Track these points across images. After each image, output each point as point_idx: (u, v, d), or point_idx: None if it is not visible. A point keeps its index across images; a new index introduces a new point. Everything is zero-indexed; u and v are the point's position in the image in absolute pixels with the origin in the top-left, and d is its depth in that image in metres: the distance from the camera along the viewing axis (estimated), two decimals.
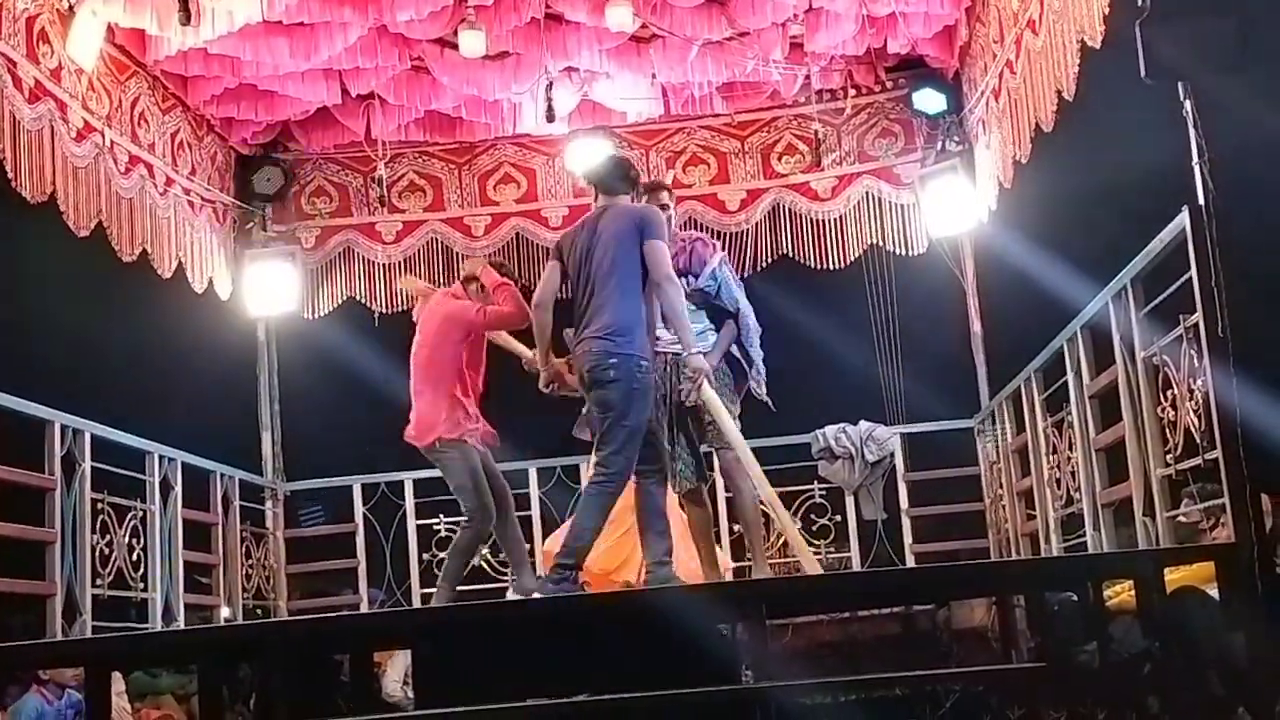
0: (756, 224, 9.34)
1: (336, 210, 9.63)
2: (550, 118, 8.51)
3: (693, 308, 5.93)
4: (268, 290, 9.28)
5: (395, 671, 7.09)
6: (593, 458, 6.00)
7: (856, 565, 8.48)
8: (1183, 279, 4.87)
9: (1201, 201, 4.75)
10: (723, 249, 6.55)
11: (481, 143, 9.55)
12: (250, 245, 9.30)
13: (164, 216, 8.12)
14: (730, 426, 5.93)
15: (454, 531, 8.97)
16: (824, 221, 9.29)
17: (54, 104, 6.84)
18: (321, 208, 9.64)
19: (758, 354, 6.17)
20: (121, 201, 7.57)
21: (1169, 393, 5.16)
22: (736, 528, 8.23)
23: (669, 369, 5.92)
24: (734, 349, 6.14)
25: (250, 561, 8.65)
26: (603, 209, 5.81)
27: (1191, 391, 4.93)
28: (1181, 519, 5.54)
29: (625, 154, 6.37)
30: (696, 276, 6.07)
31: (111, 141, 7.45)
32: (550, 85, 8.45)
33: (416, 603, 8.69)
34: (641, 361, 5.52)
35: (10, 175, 6.47)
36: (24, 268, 9.00)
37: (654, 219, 5.75)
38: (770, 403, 6.17)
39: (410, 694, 6.09)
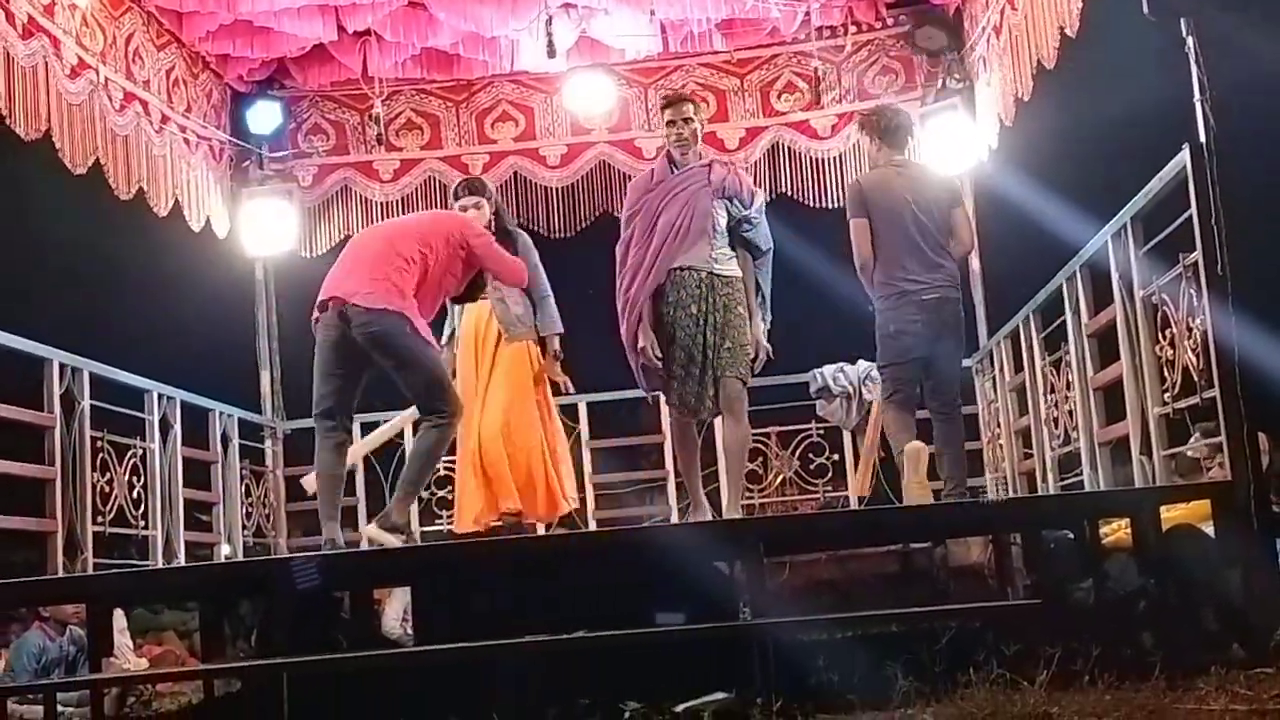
0: (755, 162, 9.30)
1: (334, 148, 9.58)
2: (551, 53, 8.40)
3: (724, 232, 5.96)
4: (265, 229, 9.25)
5: (394, 609, 7.11)
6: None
7: (854, 504, 8.51)
8: (1183, 217, 4.85)
9: (1202, 139, 4.72)
10: None
11: (479, 80, 9.48)
12: (247, 183, 9.27)
13: (160, 154, 8.08)
14: None
15: (453, 469, 8.97)
16: (823, 160, 9.25)
17: (48, 40, 6.77)
18: (319, 145, 9.58)
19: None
20: (117, 139, 7.53)
21: (1168, 331, 5.15)
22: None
23: (703, 288, 5.87)
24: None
25: (250, 499, 8.67)
26: (902, 165, 6.23)
27: (1190, 330, 4.92)
28: (1189, 454, 5.56)
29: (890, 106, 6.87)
30: (745, 205, 6.00)
31: (106, 78, 7.39)
32: (550, 20, 8.35)
33: (417, 540, 8.71)
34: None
35: (4, 112, 6.43)
36: (21, 206, 8.97)
37: (958, 187, 6.50)
38: (769, 350, 6.10)
39: (409, 631, 6.12)
